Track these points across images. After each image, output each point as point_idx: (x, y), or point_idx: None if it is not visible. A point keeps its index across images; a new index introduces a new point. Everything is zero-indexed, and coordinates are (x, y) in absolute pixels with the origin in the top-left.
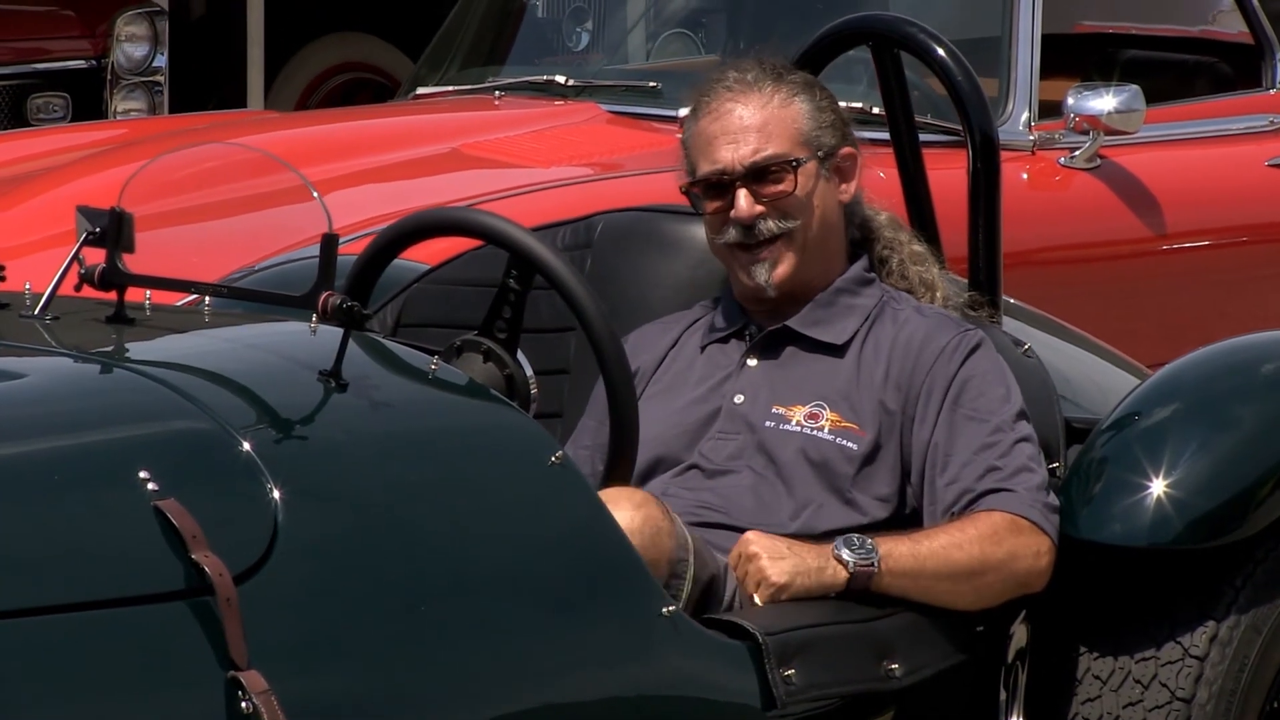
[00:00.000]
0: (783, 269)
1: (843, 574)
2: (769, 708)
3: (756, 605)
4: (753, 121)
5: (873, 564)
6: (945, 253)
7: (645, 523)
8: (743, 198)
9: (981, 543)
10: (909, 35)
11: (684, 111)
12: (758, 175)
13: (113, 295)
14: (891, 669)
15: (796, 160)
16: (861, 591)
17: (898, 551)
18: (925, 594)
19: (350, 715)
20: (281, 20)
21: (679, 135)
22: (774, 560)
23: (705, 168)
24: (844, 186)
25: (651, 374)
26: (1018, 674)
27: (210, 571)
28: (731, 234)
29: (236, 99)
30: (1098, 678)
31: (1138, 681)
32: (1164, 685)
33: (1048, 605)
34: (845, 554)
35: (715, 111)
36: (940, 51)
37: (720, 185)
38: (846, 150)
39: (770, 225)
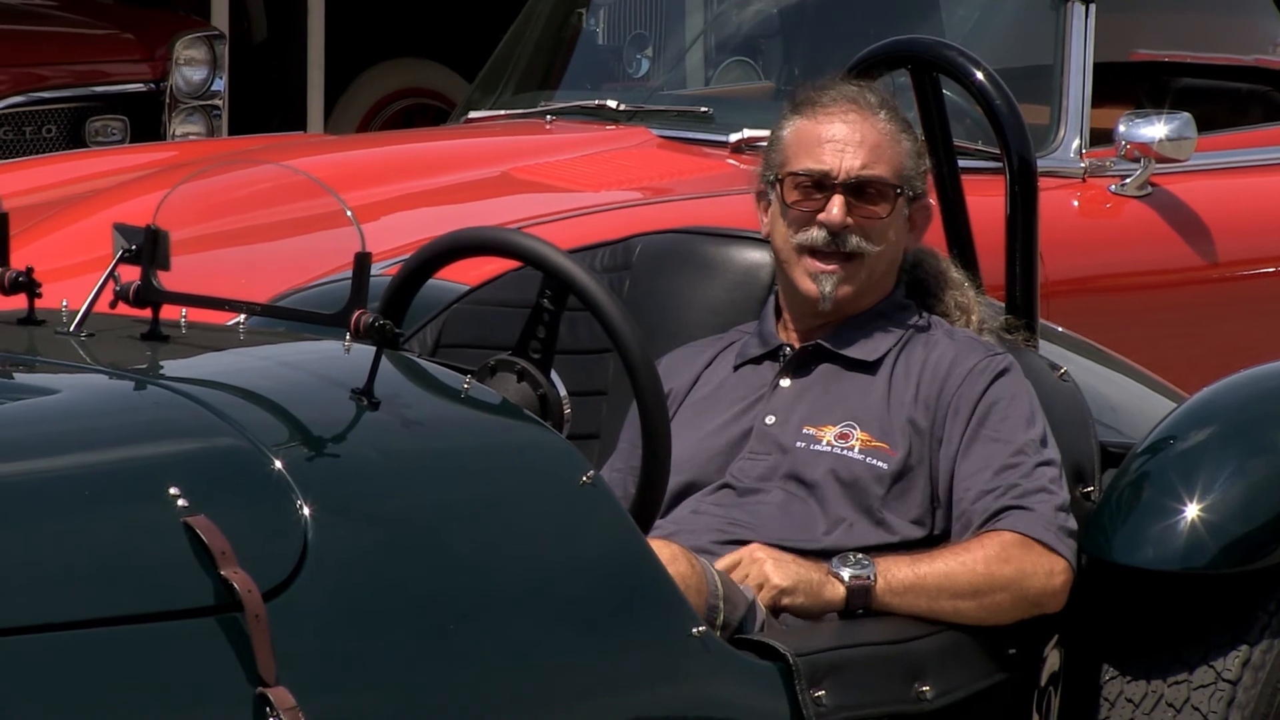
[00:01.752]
0: (847, 288)
1: (840, 589)
2: None
3: (781, 628)
4: (868, 138)
5: (869, 578)
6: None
7: (677, 580)
8: (838, 205)
9: (988, 561)
10: (948, 59)
11: (735, 136)
12: (858, 190)
13: (148, 313)
14: (923, 691)
15: (899, 189)
16: (862, 609)
17: (896, 569)
18: (930, 612)
19: None
20: (342, 45)
21: (775, 130)
22: (778, 565)
23: (807, 164)
24: (913, 235)
25: (685, 395)
26: (1050, 697)
27: (239, 588)
28: (816, 235)
29: (296, 123)
30: (1130, 701)
31: (1170, 705)
32: (1196, 709)
33: (1081, 629)
34: (842, 570)
35: (831, 115)
36: (979, 75)
37: (818, 186)
38: (927, 202)
39: (855, 242)
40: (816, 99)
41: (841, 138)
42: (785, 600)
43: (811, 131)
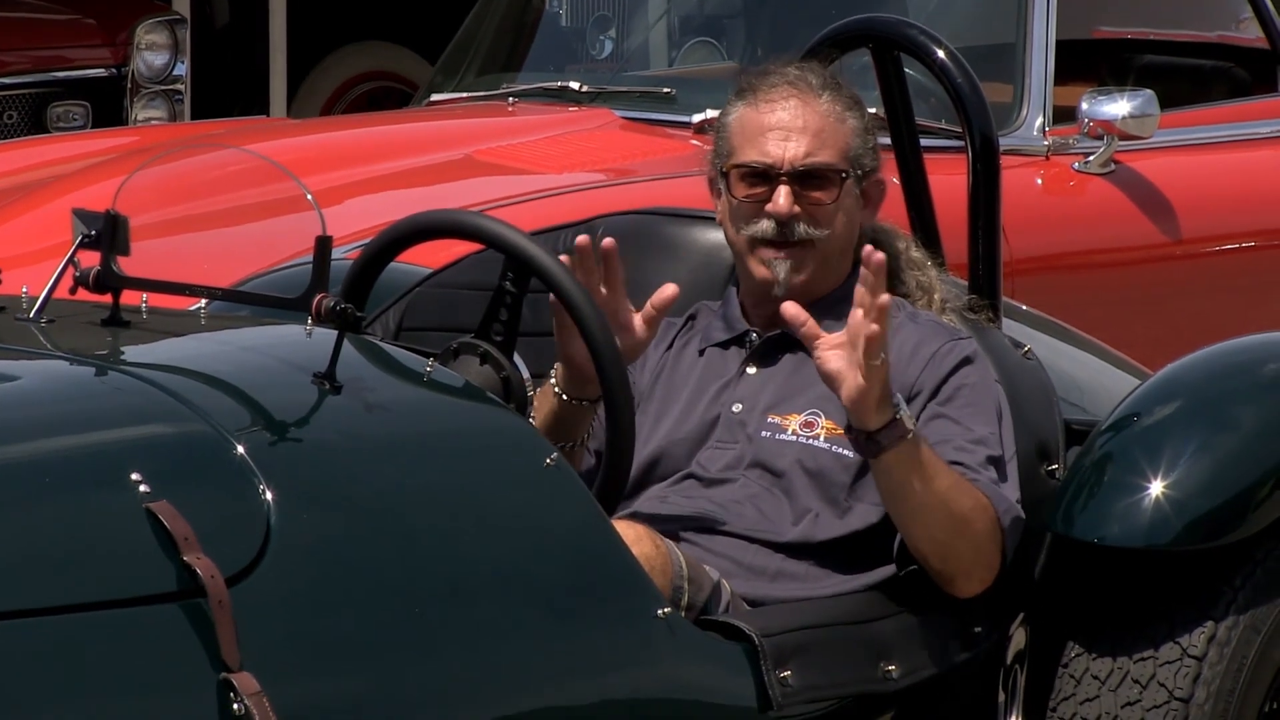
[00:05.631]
0: (800, 274)
1: (888, 413)
2: (765, 709)
3: (747, 609)
4: (810, 124)
5: (910, 425)
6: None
7: (641, 561)
8: (784, 195)
9: (976, 500)
10: (909, 37)
11: (698, 117)
12: (803, 177)
13: (108, 298)
14: (889, 670)
15: (845, 173)
16: (881, 446)
17: (928, 449)
18: (916, 496)
19: (343, 718)
20: (305, 29)
21: (719, 116)
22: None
23: (752, 155)
24: (867, 210)
25: (649, 379)
26: (1016, 675)
27: (202, 573)
28: (765, 226)
29: (259, 108)
30: (1096, 678)
31: (1136, 681)
32: (1162, 685)
33: (1046, 606)
34: (903, 408)
35: (773, 102)
36: (940, 54)
37: (763, 176)
38: (880, 177)
39: (803, 229)
40: (758, 85)
41: (784, 125)
42: (878, 360)
43: (754, 120)
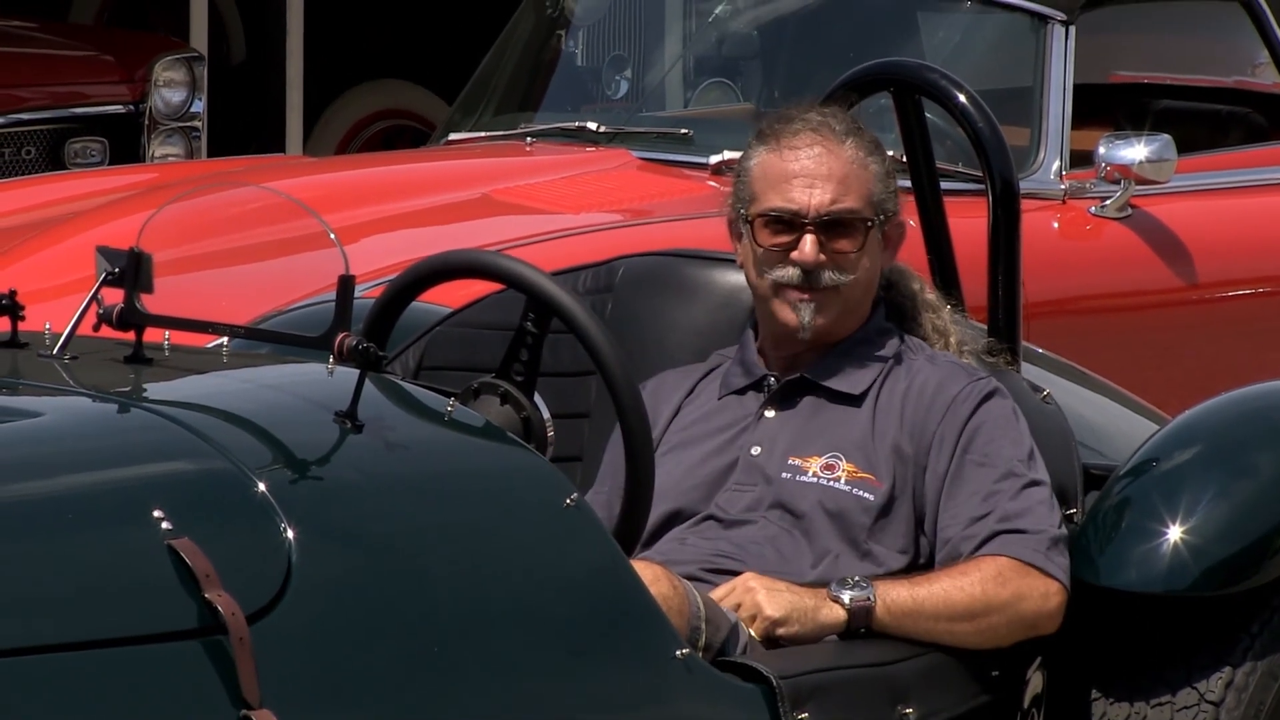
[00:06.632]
0: (824, 318)
1: (840, 612)
2: None
3: (764, 650)
4: (835, 170)
5: (869, 599)
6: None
7: (659, 601)
8: (809, 243)
9: (984, 584)
10: (930, 81)
11: (716, 158)
12: (829, 225)
13: (131, 335)
14: (906, 713)
15: (870, 221)
16: (860, 632)
17: (895, 592)
18: (927, 634)
19: None
20: (321, 66)
21: (740, 159)
22: (770, 595)
23: (776, 202)
24: (887, 253)
25: (668, 425)
26: (1033, 719)
27: (223, 611)
28: (790, 274)
29: (275, 144)
30: None
31: None
32: None
33: (1064, 651)
34: (842, 594)
35: (796, 149)
36: (961, 98)
37: (788, 224)
38: (900, 220)
39: (830, 276)
40: (780, 130)
41: (808, 172)
42: (780, 631)
43: (777, 166)
